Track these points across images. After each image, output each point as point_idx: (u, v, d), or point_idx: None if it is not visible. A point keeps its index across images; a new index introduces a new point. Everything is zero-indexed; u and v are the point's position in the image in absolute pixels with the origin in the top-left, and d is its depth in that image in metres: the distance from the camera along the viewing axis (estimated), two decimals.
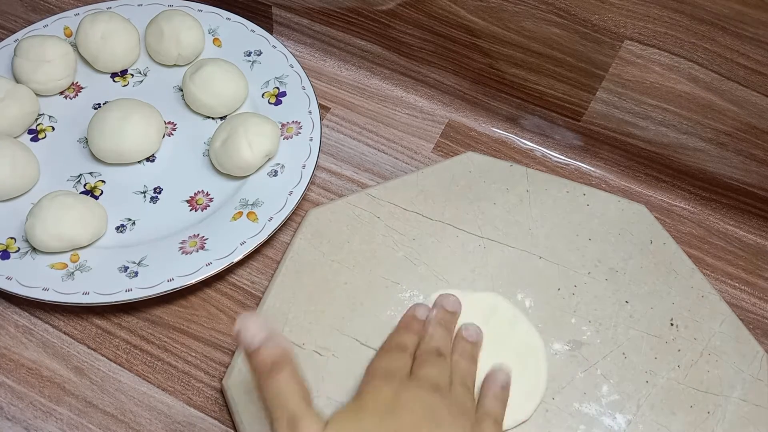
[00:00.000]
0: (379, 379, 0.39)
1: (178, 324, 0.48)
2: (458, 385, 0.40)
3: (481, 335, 0.45)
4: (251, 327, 0.35)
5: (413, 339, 0.43)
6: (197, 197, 0.53)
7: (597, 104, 0.56)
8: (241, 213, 0.51)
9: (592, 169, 0.60)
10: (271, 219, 0.50)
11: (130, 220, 0.51)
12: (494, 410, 0.40)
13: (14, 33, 0.59)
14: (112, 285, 0.46)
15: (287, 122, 0.56)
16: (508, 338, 0.47)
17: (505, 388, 0.42)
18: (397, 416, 0.36)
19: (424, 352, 0.41)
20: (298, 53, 0.64)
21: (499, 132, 0.61)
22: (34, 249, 0.48)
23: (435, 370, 0.40)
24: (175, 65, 0.60)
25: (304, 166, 0.53)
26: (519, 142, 0.61)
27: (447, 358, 0.42)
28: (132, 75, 0.59)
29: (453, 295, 0.46)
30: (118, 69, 0.59)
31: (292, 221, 0.53)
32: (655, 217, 0.54)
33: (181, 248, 0.49)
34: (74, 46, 0.58)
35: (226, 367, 0.46)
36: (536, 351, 0.47)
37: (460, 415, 0.38)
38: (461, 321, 0.46)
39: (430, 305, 0.46)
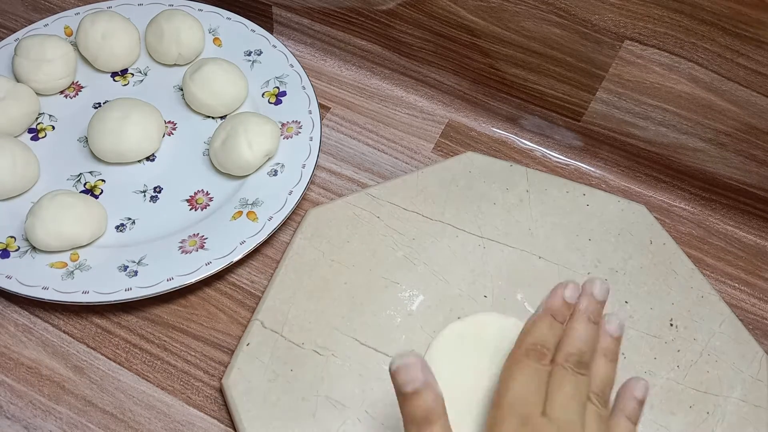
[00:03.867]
0: (508, 422, 0.36)
1: (177, 323, 0.48)
2: (596, 400, 0.37)
3: (624, 328, 0.40)
4: (412, 369, 0.33)
5: (557, 331, 0.39)
6: (197, 197, 0.53)
7: (597, 104, 0.56)
8: (240, 212, 0.51)
9: (592, 169, 0.60)
10: (270, 218, 0.50)
11: (129, 219, 0.51)
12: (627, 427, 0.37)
13: (15, 32, 0.59)
14: (112, 284, 0.46)
15: (287, 122, 0.56)
16: None
17: (642, 404, 0.39)
18: None
19: (565, 361, 0.37)
20: (298, 53, 0.64)
21: (499, 132, 0.61)
22: (33, 248, 0.48)
23: (571, 392, 0.36)
24: (175, 65, 0.60)
25: (304, 166, 0.53)
26: (519, 142, 0.61)
27: (589, 367, 0.38)
28: (132, 74, 0.59)
29: (602, 280, 0.41)
30: (118, 68, 0.59)
31: (291, 221, 0.53)
32: (655, 217, 0.54)
33: (180, 247, 0.49)
34: (74, 45, 0.58)
35: (226, 367, 0.46)
36: None
37: None
38: (477, 351, 0.44)
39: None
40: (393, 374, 0.33)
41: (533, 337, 0.39)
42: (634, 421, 0.38)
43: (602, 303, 0.40)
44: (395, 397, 0.43)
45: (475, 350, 0.45)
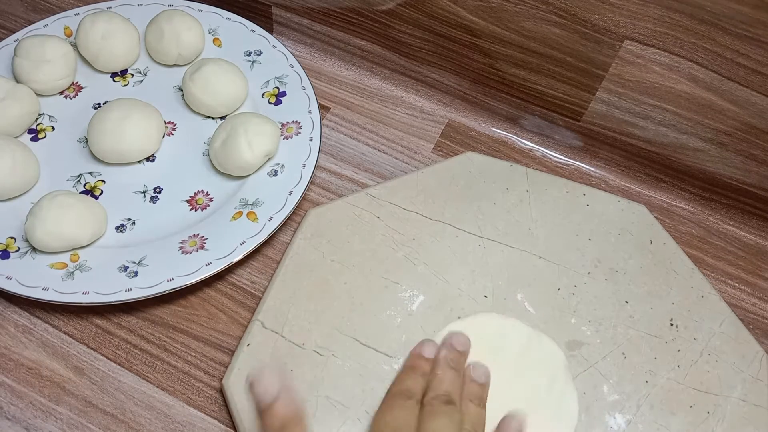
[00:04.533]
0: None
1: (177, 324, 0.48)
2: None
3: (490, 376, 0.43)
4: (264, 380, 0.34)
5: (420, 382, 0.41)
6: (197, 197, 0.53)
7: (597, 104, 0.56)
8: (241, 213, 0.51)
9: (592, 169, 0.60)
10: (271, 219, 0.50)
11: (130, 219, 0.51)
12: None
13: (14, 33, 0.59)
14: (112, 285, 0.46)
15: (287, 122, 0.56)
16: (525, 361, 0.46)
17: None
18: None
19: (432, 399, 0.40)
20: (298, 53, 0.64)
21: (499, 132, 0.61)
22: (34, 249, 0.48)
23: (443, 422, 0.38)
24: (175, 65, 0.60)
25: (304, 166, 0.53)
26: (519, 142, 0.61)
27: (456, 405, 0.40)
28: (132, 75, 0.59)
29: (463, 334, 0.45)
30: (118, 69, 0.59)
31: (292, 221, 0.53)
32: (655, 217, 0.54)
33: (180, 248, 0.49)
34: (74, 45, 0.58)
35: (226, 367, 0.46)
36: (559, 371, 0.46)
37: None
38: (477, 351, 0.45)
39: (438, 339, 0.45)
40: (249, 388, 0.34)
41: (399, 387, 0.41)
42: None
43: (463, 353, 0.44)
44: None
45: (475, 350, 0.46)
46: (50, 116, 0.56)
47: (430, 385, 0.41)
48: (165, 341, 0.48)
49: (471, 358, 0.45)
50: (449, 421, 0.38)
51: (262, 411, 0.34)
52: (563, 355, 0.47)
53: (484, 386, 0.43)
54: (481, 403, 0.42)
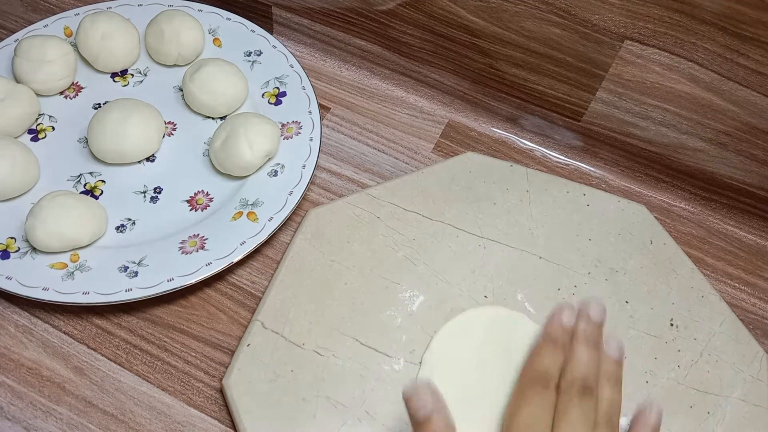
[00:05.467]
0: None
1: (177, 324, 0.48)
2: (604, 426, 0.37)
3: (624, 349, 0.40)
4: (423, 395, 0.34)
5: (558, 360, 0.39)
6: (197, 197, 0.53)
7: (597, 104, 0.56)
8: (241, 213, 0.51)
9: (592, 169, 0.60)
10: (271, 219, 0.50)
11: (130, 220, 0.51)
12: None
13: (14, 33, 0.59)
14: (112, 285, 0.46)
15: (287, 122, 0.56)
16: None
17: (657, 430, 0.38)
18: None
19: (570, 386, 0.38)
20: (298, 53, 0.64)
21: (499, 132, 0.61)
22: (34, 249, 0.48)
23: (579, 417, 0.36)
24: (175, 65, 0.60)
25: (304, 166, 0.53)
26: (519, 142, 0.61)
27: (594, 391, 0.38)
28: (132, 75, 0.59)
29: (599, 302, 0.41)
30: (118, 69, 0.59)
31: (292, 221, 0.53)
32: (655, 217, 0.54)
33: (181, 248, 0.49)
34: (74, 46, 0.58)
35: (226, 367, 0.46)
36: None
37: None
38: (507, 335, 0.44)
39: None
40: (406, 401, 0.35)
41: (536, 367, 0.39)
42: None
43: (600, 325, 0.41)
44: (395, 397, 0.43)
45: (473, 344, 0.46)
46: (50, 116, 0.56)
47: (568, 366, 0.39)
48: (165, 341, 0.48)
49: (469, 352, 0.45)
50: (583, 417, 0.36)
51: (418, 424, 0.34)
52: None
53: (620, 362, 0.40)
54: (618, 383, 0.39)
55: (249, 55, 0.60)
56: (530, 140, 0.61)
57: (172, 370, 0.46)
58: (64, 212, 0.47)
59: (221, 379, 0.46)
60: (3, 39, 0.60)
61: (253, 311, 0.49)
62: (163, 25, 0.57)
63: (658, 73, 0.51)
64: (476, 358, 0.45)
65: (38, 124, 0.55)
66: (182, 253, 0.48)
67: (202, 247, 0.49)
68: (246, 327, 0.48)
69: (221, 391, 0.46)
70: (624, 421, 0.40)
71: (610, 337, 0.41)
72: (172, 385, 0.46)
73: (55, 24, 0.60)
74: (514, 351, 0.43)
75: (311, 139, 0.54)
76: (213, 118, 0.57)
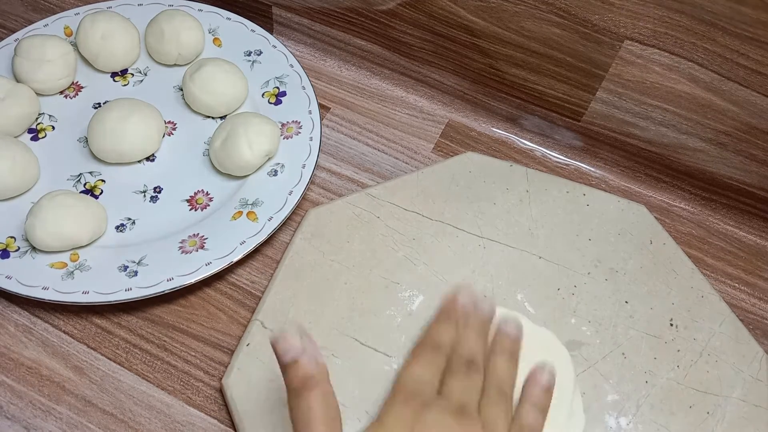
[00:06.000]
0: (402, 396, 0.37)
1: (177, 323, 0.48)
2: (493, 394, 0.38)
3: (522, 330, 0.42)
4: (289, 338, 0.35)
5: (452, 332, 0.40)
6: (197, 197, 0.53)
7: (597, 104, 0.56)
8: (240, 213, 0.51)
9: (592, 169, 0.60)
10: (270, 219, 0.50)
11: (129, 219, 0.51)
12: (531, 423, 0.38)
13: (14, 32, 0.59)
14: (112, 284, 0.46)
15: (287, 122, 0.56)
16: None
17: (548, 390, 0.40)
18: None
19: (457, 357, 0.39)
20: (298, 53, 0.64)
21: (499, 132, 0.61)
22: (33, 248, 0.48)
23: (464, 384, 0.38)
24: (175, 65, 0.60)
25: (304, 166, 0.53)
26: (519, 142, 0.61)
27: (481, 365, 0.39)
28: (132, 74, 0.59)
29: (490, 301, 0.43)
30: (118, 68, 0.59)
31: (291, 221, 0.53)
32: (655, 217, 0.54)
33: (180, 248, 0.49)
34: (74, 45, 0.58)
35: (226, 367, 0.46)
36: (564, 371, 0.45)
37: None
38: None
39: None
40: (273, 346, 0.35)
41: (430, 338, 0.41)
42: (541, 409, 0.39)
43: (492, 310, 0.43)
44: None
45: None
46: (50, 116, 0.56)
47: (458, 340, 0.40)
48: (165, 341, 0.48)
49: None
50: (468, 386, 0.37)
51: (285, 367, 0.35)
52: (567, 353, 0.47)
53: (516, 340, 0.41)
54: (512, 358, 0.40)
55: (249, 54, 0.60)
56: (530, 140, 0.61)
57: (172, 370, 0.46)
58: (63, 212, 0.47)
59: (221, 378, 0.46)
60: (3, 38, 0.60)
61: (252, 311, 0.49)
62: (163, 25, 0.57)
63: (658, 73, 0.51)
64: None
65: (38, 124, 0.55)
66: (182, 252, 0.48)
67: (202, 247, 0.49)
68: (246, 326, 0.48)
69: (221, 391, 0.45)
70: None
71: (508, 317, 0.43)
72: (172, 385, 0.46)
73: (55, 23, 0.60)
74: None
75: (311, 139, 0.54)
76: (213, 118, 0.57)
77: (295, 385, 0.34)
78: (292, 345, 0.34)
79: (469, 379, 0.38)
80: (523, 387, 0.40)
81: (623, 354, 0.47)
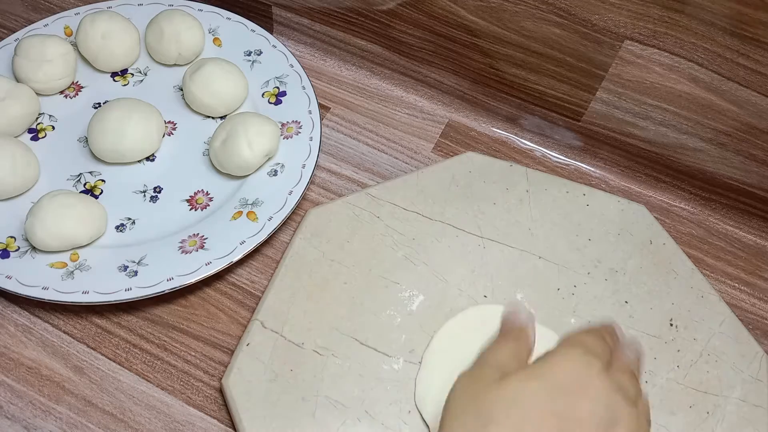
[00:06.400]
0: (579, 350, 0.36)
1: (177, 323, 0.48)
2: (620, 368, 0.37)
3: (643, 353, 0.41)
4: (521, 311, 0.40)
5: (515, 352, 0.40)
6: (197, 197, 0.53)
7: (597, 104, 0.56)
8: (240, 212, 0.51)
9: (592, 169, 0.60)
10: (270, 218, 0.50)
11: (129, 219, 0.51)
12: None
13: (14, 32, 0.59)
14: (112, 284, 0.46)
15: (287, 122, 0.56)
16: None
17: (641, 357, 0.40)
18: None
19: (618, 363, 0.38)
20: (298, 53, 0.64)
21: (499, 132, 0.61)
22: (33, 248, 0.48)
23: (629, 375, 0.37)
24: (175, 65, 0.60)
25: (303, 166, 0.53)
26: (519, 142, 0.61)
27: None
28: (132, 74, 0.59)
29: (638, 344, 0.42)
30: (118, 68, 0.59)
31: (291, 221, 0.53)
32: (655, 217, 0.54)
33: (180, 247, 0.49)
34: (74, 45, 0.58)
35: (226, 367, 0.46)
36: None
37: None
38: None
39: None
40: (505, 315, 0.40)
41: (494, 357, 0.39)
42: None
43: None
44: (395, 397, 0.44)
45: (473, 343, 0.46)
46: (50, 116, 0.56)
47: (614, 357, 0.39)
48: (165, 341, 0.48)
49: (470, 349, 0.45)
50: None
51: (516, 331, 0.39)
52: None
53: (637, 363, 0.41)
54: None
55: (249, 54, 0.60)
56: (530, 140, 0.61)
57: (172, 370, 0.46)
58: (63, 212, 0.47)
59: (221, 378, 0.46)
60: (3, 38, 0.60)
61: (252, 311, 0.49)
62: (163, 25, 0.57)
63: (658, 73, 0.51)
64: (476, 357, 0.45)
65: (38, 124, 0.55)
66: (182, 252, 0.48)
67: (202, 247, 0.49)
68: (245, 326, 0.48)
69: (221, 391, 0.45)
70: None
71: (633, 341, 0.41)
72: (172, 385, 0.46)
73: (55, 23, 0.60)
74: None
75: (311, 139, 0.54)
76: (213, 118, 0.57)
77: (513, 328, 0.39)
78: (522, 317, 0.39)
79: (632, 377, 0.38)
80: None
81: None
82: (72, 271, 0.47)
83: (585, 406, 0.34)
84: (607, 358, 0.37)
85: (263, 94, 0.58)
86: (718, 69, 0.49)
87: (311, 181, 0.53)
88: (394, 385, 0.45)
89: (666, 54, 0.50)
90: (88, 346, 0.47)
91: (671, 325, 0.49)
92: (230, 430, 0.44)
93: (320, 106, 0.57)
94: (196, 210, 0.52)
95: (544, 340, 0.47)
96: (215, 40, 0.61)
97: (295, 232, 0.52)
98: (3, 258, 0.47)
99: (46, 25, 0.60)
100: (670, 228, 0.57)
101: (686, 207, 0.59)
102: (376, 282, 0.49)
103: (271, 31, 0.65)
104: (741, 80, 0.49)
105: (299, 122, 0.56)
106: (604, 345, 0.38)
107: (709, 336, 0.48)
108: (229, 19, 0.62)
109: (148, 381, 0.46)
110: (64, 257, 0.48)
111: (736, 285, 0.54)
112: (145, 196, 0.53)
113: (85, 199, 0.49)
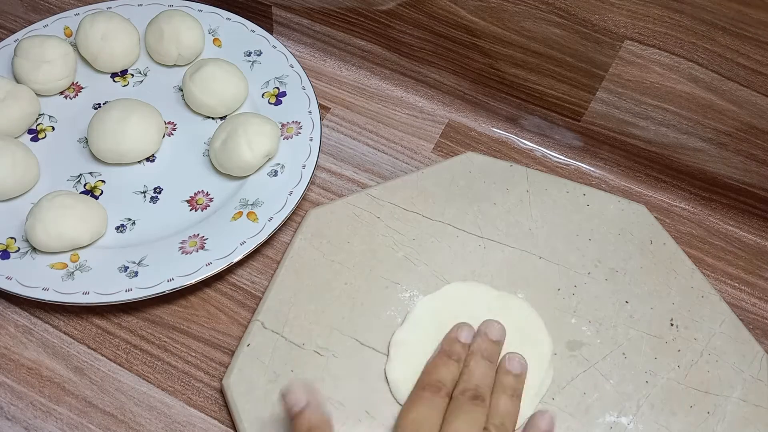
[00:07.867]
0: None
1: (178, 324, 0.48)
2: (494, 431, 0.39)
3: (526, 366, 0.44)
4: (296, 391, 0.38)
5: (453, 371, 0.42)
6: (197, 197, 0.53)
7: (597, 104, 0.56)
8: (241, 213, 0.51)
9: (592, 169, 0.60)
10: (271, 219, 0.50)
11: (130, 220, 0.51)
12: None
13: (14, 33, 0.59)
14: (112, 285, 0.46)
15: (287, 122, 0.56)
16: (518, 335, 0.46)
17: None
18: None
19: (460, 394, 0.40)
20: (298, 53, 0.64)
21: (499, 132, 0.61)
22: (34, 249, 0.48)
23: (468, 423, 0.38)
24: (175, 65, 0.60)
25: (304, 166, 0.53)
26: (519, 142, 0.61)
27: (486, 400, 0.40)
28: (132, 75, 0.59)
29: (498, 323, 0.45)
30: (118, 69, 0.59)
31: (292, 221, 0.53)
32: (655, 217, 0.54)
33: (181, 248, 0.49)
34: (74, 46, 0.58)
35: (226, 367, 0.46)
36: (543, 352, 0.46)
37: None
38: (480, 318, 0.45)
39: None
40: (282, 398, 0.38)
41: (430, 376, 0.42)
42: None
43: (497, 342, 0.44)
44: (395, 397, 0.44)
45: (448, 320, 0.46)
46: (50, 116, 0.56)
47: (462, 377, 0.42)
48: (165, 341, 0.48)
49: (443, 328, 0.46)
50: (473, 419, 0.39)
51: (293, 417, 0.37)
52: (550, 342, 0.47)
53: (520, 377, 0.43)
54: (515, 394, 0.42)
55: (249, 55, 0.60)
56: (530, 140, 0.61)
57: (172, 370, 0.46)
58: (64, 212, 0.47)
59: (221, 379, 0.46)
60: (3, 39, 0.60)
61: (253, 311, 0.49)
62: (163, 25, 0.57)
63: (658, 73, 0.51)
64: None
65: (38, 124, 0.55)
66: (182, 253, 0.48)
67: (202, 247, 0.49)
68: (246, 327, 0.48)
69: (221, 391, 0.46)
70: None
71: (512, 353, 0.44)
72: (172, 385, 0.46)
73: (55, 24, 0.60)
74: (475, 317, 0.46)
75: (311, 139, 0.54)
76: (213, 118, 0.57)
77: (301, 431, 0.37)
78: (298, 397, 0.37)
79: (474, 414, 0.39)
80: (524, 429, 0.42)
81: (623, 354, 0.47)
82: (72, 272, 0.47)
83: None
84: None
85: (263, 95, 0.58)
86: (718, 69, 0.49)
87: (311, 182, 0.53)
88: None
89: (666, 54, 0.50)
90: (88, 346, 0.47)
91: (672, 324, 0.49)
92: (231, 430, 0.44)
93: (320, 106, 0.57)
94: (196, 210, 0.52)
95: (538, 342, 0.47)
96: (215, 40, 0.61)
97: (295, 232, 0.52)
98: (3, 259, 0.47)
99: (45, 26, 0.60)
100: (671, 228, 0.57)
101: (686, 207, 0.59)
102: (377, 282, 0.49)
103: (271, 31, 0.65)
104: (741, 80, 0.49)
105: (299, 122, 0.56)
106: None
107: (709, 336, 0.48)
108: (229, 19, 0.62)
109: (148, 382, 0.46)
110: (65, 258, 0.48)
111: (737, 285, 0.54)
112: (145, 196, 0.53)
113: (85, 200, 0.49)
